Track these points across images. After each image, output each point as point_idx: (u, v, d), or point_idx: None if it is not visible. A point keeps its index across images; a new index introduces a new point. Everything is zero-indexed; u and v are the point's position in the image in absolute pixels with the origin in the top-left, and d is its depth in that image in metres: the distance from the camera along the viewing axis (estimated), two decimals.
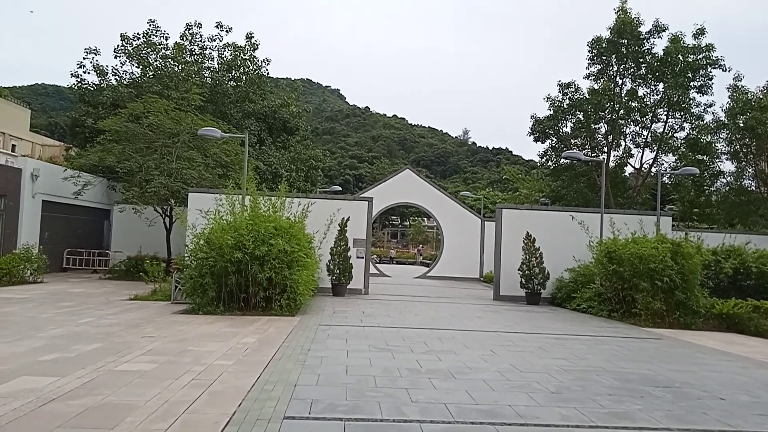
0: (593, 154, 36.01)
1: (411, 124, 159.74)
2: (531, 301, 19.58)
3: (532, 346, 10.26)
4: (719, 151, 34.73)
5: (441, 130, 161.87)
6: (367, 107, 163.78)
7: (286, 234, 13.76)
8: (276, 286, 13.54)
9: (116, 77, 32.01)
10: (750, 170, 34.85)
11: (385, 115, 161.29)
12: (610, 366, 8.65)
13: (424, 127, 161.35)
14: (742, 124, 32.47)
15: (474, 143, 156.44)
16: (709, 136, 33.78)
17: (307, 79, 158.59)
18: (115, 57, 32.14)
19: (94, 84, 31.88)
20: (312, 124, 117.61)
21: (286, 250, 13.23)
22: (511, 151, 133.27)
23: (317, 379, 6.94)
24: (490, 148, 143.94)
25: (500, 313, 16.16)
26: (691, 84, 32.62)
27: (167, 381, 6.52)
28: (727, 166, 36.46)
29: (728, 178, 36.16)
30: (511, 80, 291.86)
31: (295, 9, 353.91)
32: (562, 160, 36.86)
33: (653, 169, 36.39)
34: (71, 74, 31.59)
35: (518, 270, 19.74)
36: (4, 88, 64.40)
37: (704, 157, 33.59)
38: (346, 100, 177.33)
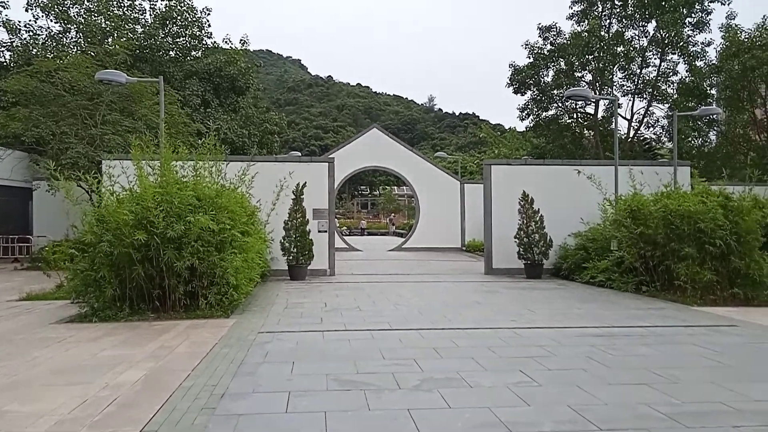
0: (578, 106, 32.69)
1: (375, 92, 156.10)
2: (531, 274, 16.17)
3: (578, 356, 6.76)
4: (714, 96, 31.73)
5: (406, 98, 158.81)
6: (329, 76, 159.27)
7: (212, 205, 9.98)
8: (202, 276, 9.79)
9: (30, 33, 27.35)
10: (744, 117, 31.90)
11: (349, 83, 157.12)
12: (732, 397, 5.16)
13: (389, 95, 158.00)
14: (737, 67, 29.35)
15: (440, 109, 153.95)
16: (705, 81, 30.65)
17: (267, 50, 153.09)
18: (27, 10, 27.49)
19: (3, 42, 27.20)
20: (274, 96, 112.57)
21: (211, 228, 9.46)
22: (478, 116, 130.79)
23: None
24: (457, 113, 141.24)
25: (501, 294, 12.68)
26: (686, 21, 29.28)
27: None
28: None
29: (722, 127, 33.28)
30: (475, 43, 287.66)
31: None
32: (545, 113, 33.52)
33: (656, 114, 33.30)
34: None
35: (514, 238, 16.27)
36: None
37: (699, 104, 30.38)
38: (308, 70, 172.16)
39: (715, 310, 10.36)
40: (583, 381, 5.68)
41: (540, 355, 6.77)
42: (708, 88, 30.48)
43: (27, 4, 27.39)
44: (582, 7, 31.79)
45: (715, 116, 29.37)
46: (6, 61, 27.32)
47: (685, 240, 11.49)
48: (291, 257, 15.41)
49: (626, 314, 9.85)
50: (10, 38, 26.96)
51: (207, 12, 30.29)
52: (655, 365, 6.30)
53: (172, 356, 6.77)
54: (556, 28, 31.78)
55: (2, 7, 26.91)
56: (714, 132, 33.49)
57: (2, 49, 27.25)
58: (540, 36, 32.14)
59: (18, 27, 26.98)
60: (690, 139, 31.79)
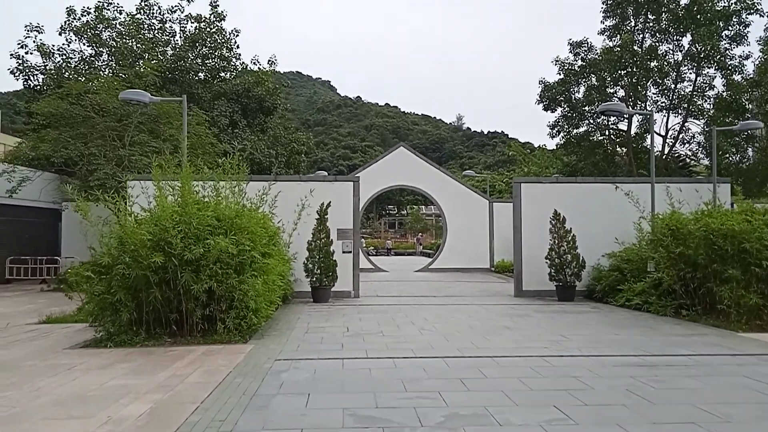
0: (610, 122, 31.99)
1: (404, 111, 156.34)
2: (563, 296, 15.54)
3: (617, 389, 6.23)
4: (753, 111, 30.70)
5: (434, 117, 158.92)
6: (358, 97, 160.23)
7: (231, 226, 9.71)
8: (220, 300, 9.48)
9: (63, 57, 27.80)
10: None
11: (377, 104, 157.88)
12: None
13: (417, 114, 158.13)
14: None
15: (468, 128, 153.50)
16: (743, 96, 29.68)
17: (297, 71, 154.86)
18: (60, 34, 28.00)
19: (37, 66, 27.68)
20: (303, 116, 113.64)
21: (230, 251, 9.16)
22: (507, 134, 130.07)
23: None
24: (485, 132, 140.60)
25: (532, 318, 12.12)
26: (723, 34, 28.46)
27: None
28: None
29: (761, 143, 32.19)
30: (504, 62, 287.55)
31: (282, 1, 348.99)
32: (575, 130, 32.86)
33: (691, 130, 32.37)
34: (11, 55, 27.36)
35: (545, 258, 15.68)
36: None
37: (737, 119, 29.44)
38: (337, 91, 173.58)
39: (762, 336, 9.69)
40: (624, 419, 5.17)
41: (575, 388, 6.26)
42: (746, 103, 29.50)
43: (61, 28, 27.91)
44: (614, 22, 31.22)
45: (754, 131, 28.42)
46: (39, 84, 27.79)
47: (728, 261, 10.85)
48: (314, 279, 15.05)
49: (667, 341, 9.24)
50: (44, 62, 27.42)
51: (236, 33, 30.51)
52: (703, 400, 5.74)
53: (182, 386, 6.42)
54: (588, 43, 31.24)
55: (37, 31, 27.48)
56: (753, 148, 32.41)
57: (36, 72, 27.70)
58: (571, 52, 31.64)
59: (51, 51, 27.43)
60: (728, 155, 30.80)
